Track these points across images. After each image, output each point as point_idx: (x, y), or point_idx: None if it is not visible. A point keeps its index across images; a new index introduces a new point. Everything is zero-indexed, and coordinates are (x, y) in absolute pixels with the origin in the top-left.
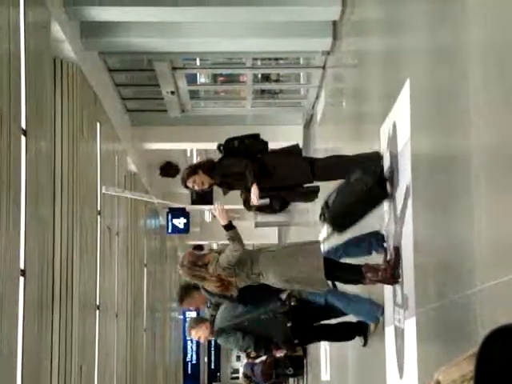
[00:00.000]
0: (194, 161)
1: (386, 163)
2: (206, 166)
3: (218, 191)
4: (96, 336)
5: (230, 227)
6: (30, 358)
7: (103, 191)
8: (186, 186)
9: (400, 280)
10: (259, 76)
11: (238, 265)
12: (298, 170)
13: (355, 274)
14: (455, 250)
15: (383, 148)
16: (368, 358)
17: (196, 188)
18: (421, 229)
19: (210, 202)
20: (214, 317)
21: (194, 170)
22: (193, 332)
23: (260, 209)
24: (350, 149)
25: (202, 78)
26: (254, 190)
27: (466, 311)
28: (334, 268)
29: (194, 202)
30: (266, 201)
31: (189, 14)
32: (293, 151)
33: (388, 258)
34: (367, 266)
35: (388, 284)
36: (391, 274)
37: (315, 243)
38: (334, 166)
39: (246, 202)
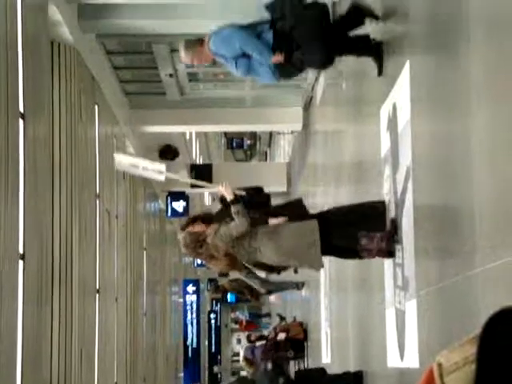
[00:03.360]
0: (193, 144)
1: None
2: (206, 218)
3: (216, 173)
4: (96, 320)
5: (236, 201)
6: (30, 341)
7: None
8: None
9: (395, 253)
10: None
11: (237, 237)
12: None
13: (351, 240)
14: (456, 232)
15: (383, 130)
16: (369, 340)
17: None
18: (421, 210)
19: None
20: None
21: (192, 219)
22: None
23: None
24: (350, 131)
25: None
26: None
27: (468, 293)
28: (331, 233)
29: (193, 186)
30: None
31: None
32: (296, 204)
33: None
34: (363, 233)
35: (382, 254)
36: (387, 243)
37: (313, 220)
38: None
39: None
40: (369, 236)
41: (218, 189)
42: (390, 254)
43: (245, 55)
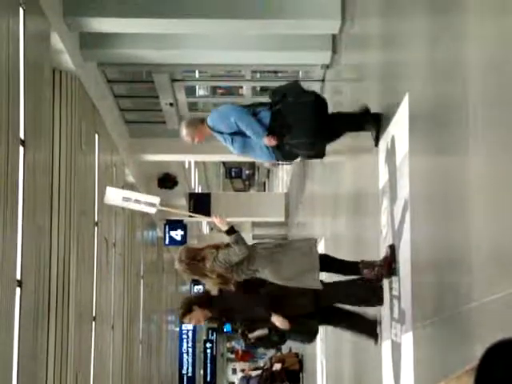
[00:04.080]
0: (192, 173)
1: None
2: (203, 301)
3: (215, 202)
4: (92, 347)
5: (231, 231)
6: (25, 368)
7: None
8: (183, 323)
9: (395, 274)
10: (258, 89)
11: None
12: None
13: (351, 270)
14: (453, 265)
15: (381, 162)
16: (365, 371)
17: (194, 323)
18: (419, 243)
19: (208, 214)
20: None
21: (189, 307)
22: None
23: (258, 340)
24: (348, 163)
25: (200, 90)
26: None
27: (464, 326)
28: (330, 265)
29: (191, 215)
30: (265, 331)
31: (189, 26)
32: None
33: (384, 255)
34: (363, 262)
35: (382, 279)
36: (387, 270)
37: (311, 240)
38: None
39: (244, 335)
40: (369, 264)
41: (212, 220)
42: (391, 273)
43: (241, 133)
